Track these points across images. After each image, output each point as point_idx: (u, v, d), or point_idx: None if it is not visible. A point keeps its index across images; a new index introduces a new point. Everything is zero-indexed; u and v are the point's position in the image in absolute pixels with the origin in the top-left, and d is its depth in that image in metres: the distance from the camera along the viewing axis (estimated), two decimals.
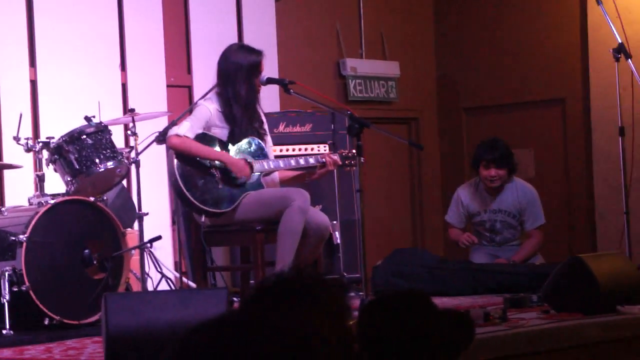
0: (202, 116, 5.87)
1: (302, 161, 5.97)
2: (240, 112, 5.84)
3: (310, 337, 1.63)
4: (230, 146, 5.89)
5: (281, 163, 5.97)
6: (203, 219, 5.89)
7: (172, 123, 6.02)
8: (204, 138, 5.84)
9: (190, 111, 6.21)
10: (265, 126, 6.07)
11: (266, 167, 5.91)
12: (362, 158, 5.43)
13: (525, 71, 9.22)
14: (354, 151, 5.77)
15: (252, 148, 5.92)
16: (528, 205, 7.08)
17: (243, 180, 5.83)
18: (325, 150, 7.31)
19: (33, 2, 7.07)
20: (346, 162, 5.98)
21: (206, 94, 6.05)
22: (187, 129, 5.79)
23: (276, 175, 6.03)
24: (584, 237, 8.86)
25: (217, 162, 5.82)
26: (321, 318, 1.81)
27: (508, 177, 7.09)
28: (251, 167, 5.88)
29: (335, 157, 5.98)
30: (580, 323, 4.94)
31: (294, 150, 7.31)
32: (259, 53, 5.92)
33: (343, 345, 1.84)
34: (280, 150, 7.18)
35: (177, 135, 5.77)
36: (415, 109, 9.52)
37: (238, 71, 5.83)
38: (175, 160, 5.77)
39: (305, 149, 7.35)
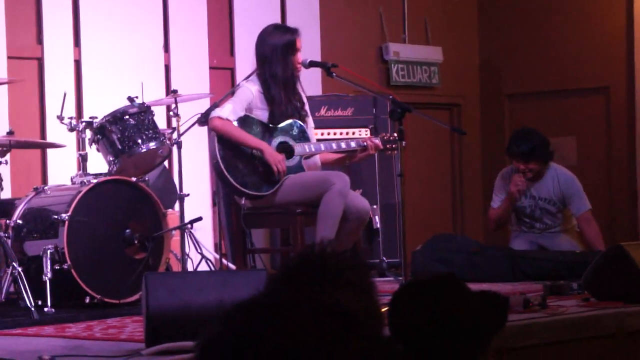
0: (244, 98, 5.87)
1: (343, 144, 5.97)
2: (278, 92, 5.84)
3: (340, 313, 1.63)
4: (271, 128, 5.89)
5: (322, 146, 5.96)
6: (243, 201, 5.91)
7: (215, 105, 6.04)
8: (246, 121, 5.84)
9: (233, 93, 6.22)
10: (307, 107, 6.07)
11: (307, 150, 5.91)
12: (403, 142, 5.41)
13: (570, 58, 9.16)
14: (395, 135, 5.75)
15: (294, 131, 5.92)
16: (570, 193, 7.03)
17: (277, 178, 5.80)
18: (366, 135, 7.30)
19: None
20: (387, 145, 5.96)
21: (248, 76, 6.06)
22: (229, 111, 5.80)
23: (318, 159, 6.02)
24: (626, 225, 8.80)
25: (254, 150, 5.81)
26: (347, 294, 1.81)
27: (542, 167, 7.03)
28: (292, 152, 5.88)
29: (377, 140, 5.97)
30: (620, 312, 4.91)
31: (335, 134, 7.31)
32: (293, 31, 5.92)
33: (373, 319, 1.84)
34: (322, 134, 7.18)
35: (220, 118, 5.78)
36: (457, 94, 9.48)
37: (274, 51, 5.84)
38: (217, 142, 5.79)
39: (347, 133, 7.34)
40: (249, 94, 5.88)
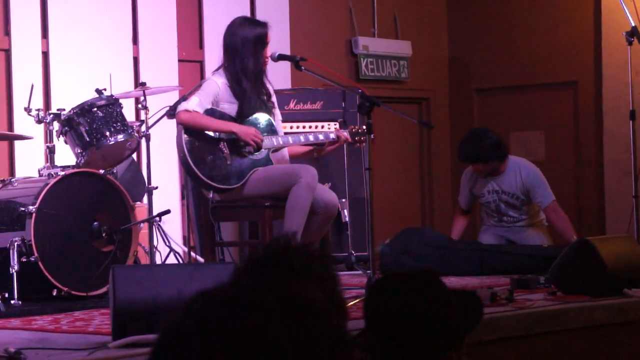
0: (210, 91, 5.86)
1: (311, 137, 5.97)
2: (249, 86, 5.83)
3: (303, 305, 1.64)
4: (238, 121, 5.88)
5: (290, 139, 5.96)
6: (211, 194, 5.90)
7: (183, 98, 6.02)
8: (213, 114, 5.83)
9: (200, 86, 6.20)
10: (274, 99, 6.06)
11: (275, 143, 5.90)
12: (371, 135, 5.42)
13: (538, 53, 9.19)
14: (364, 127, 5.76)
15: (261, 124, 5.92)
16: (533, 186, 7.06)
17: (253, 151, 5.80)
18: (336, 128, 7.30)
19: None
20: (356, 138, 5.98)
21: (217, 69, 6.04)
22: (196, 104, 5.79)
23: (286, 152, 6.02)
24: (593, 220, 8.85)
25: (225, 134, 5.80)
26: (312, 287, 1.82)
27: (496, 165, 7.06)
28: (259, 146, 5.87)
29: (345, 133, 5.98)
30: (587, 305, 4.95)
31: (304, 127, 7.31)
32: (264, 25, 5.92)
33: (337, 312, 1.85)
34: (291, 128, 7.18)
35: (187, 111, 5.76)
36: (426, 88, 9.50)
37: (244, 44, 5.82)
38: (184, 136, 5.77)
39: (316, 127, 7.34)
40: (215, 87, 5.87)
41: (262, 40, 5.85)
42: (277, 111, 6.06)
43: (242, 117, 5.87)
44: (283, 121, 6.24)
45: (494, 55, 9.41)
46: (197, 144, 5.78)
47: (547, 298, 5.16)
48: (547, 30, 9.15)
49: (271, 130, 5.93)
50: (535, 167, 7.18)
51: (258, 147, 5.82)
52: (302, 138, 5.97)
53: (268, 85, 6.02)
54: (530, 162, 7.25)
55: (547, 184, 7.10)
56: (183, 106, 5.79)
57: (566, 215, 7.08)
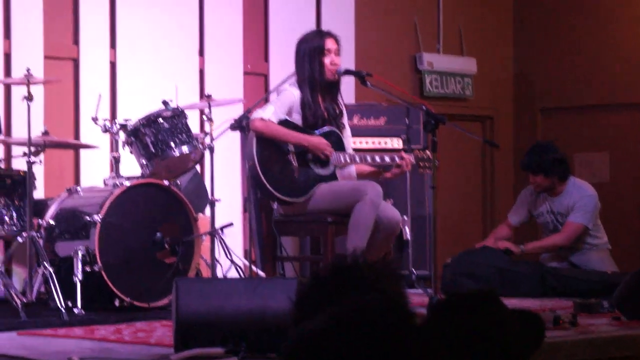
0: (286, 101, 5.86)
1: (377, 158, 5.94)
2: (308, 94, 5.83)
3: (376, 322, 1.64)
4: (309, 133, 5.87)
5: (357, 158, 5.94)
6: (276, 205, 5.90)
7: (248, 111, 6.03)
8: (285, 124, 5.83)
9: (266, 100, 6.21)
10: (345, 119, 6.06)
11: (342, 160, 5.89)
12: (436, 160, 5.39)
13: (604, 73, 9.10)
14: (428, 153, 5.71)
15: (331, 139, 5.91)
16: (577, 205, 6.96)
17: (325, 160, 5.79)
18: (398, 144, 7.28)
19: None
20: (420, 164, 5.89)
21: (283, 81, 6.05)
22: (271, 112, 5.79)
23: (353, 170, 5.99)
24: None
25: (294, 147, 5.78)
26: (383, 304, 1.81)
27: (554, 182, 6.97)
28: (327, 160, 5.86)
29: (411, 157, 5.91)
30: None
31: (367, 143, 7.29)
32: (323, 34, 5.95)
33: (408, 327, 1.84)
34: (354, 143, 7.16)
35: (262, 119, 5.76)
36: (490, 107, 9.44)
37: (305, 54, 5.86)
38: (255, 144, 5.76)
39: (379, 143, 7.32)
40: (291, 97, 5.87)
41: (319, 49, 5.86)
42: (347, 130, 6.05)
43: (308, 126, 5.86)
44: None
45: (559, 74, 9.34)
46: (266, 153, 5.78)
47: (611, 323, 5.09)
48: (614, 51, 9.06)
49: (339, 146, 5.91)
50: (592, 191, 7.03)
51: (327, 159, 5.81)
52: (368, 158, 5.95)
53: (341, 103, 6.02)
54: (590, 186, 7.10)
55: (593, 211, 6.94)
56: (258, 114, 5.78)
57: (561, 241, 6.93)
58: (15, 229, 5.56)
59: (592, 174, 8.65)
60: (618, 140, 9.08)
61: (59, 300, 5.19)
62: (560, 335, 4.63)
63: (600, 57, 9.13)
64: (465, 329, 2.61)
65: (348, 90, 7.78)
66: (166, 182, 5.80)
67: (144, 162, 5.87)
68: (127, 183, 5.68)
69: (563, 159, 7.04)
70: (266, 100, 6.52)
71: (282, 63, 7.50)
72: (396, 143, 7.32)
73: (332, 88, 5.93)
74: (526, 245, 6.96)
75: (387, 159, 5.93)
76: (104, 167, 6.57)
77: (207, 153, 6.11)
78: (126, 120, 5.96)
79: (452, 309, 2.70)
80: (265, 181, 5.73)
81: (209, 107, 6.16)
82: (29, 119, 5.47)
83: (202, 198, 6.52)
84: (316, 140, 5.81)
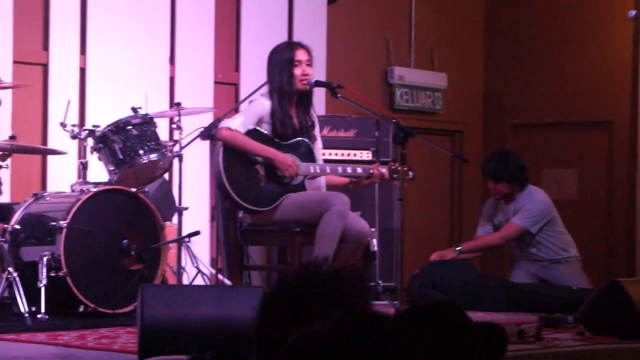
0: (256, 112, 5.87)
1: (349, 169, 5.95)
2: (277, 104, 5.84)
3: (339, 329, 1.65)
4: (278, 143, 5.87)
5: (328, 168, 5.94)
6: (241, 214, 5.90)
7: (217, 119, 6.03)
8: (253, 134, 5.83)
9: (236, 109, 6.20)
10: (317, 130, 6.06)
11: (312, 170, 5.89)
12: (410, 173, 5.40)
13: (574, 91, 9.16)
14: (405, 168, 5.70)
15: (301, 149, 5.91)
16: (524, 206, 6.98)
17: (288, 180, 5.81)
18: (368, 157, 7.29)
19: None
20: (394, 176, 5.88)
21: (254, 92, 6.05)
22: (239, 123, 5.79)
23: (323, 181, 6.00)
24: (623, 261, 8.78)
25: (261, 158, 5.79)
26: (348, 306, 1.81)
27: (513, 189, 7.00)
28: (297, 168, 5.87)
29: (384, 170, 5.92)
30: (616, 347, 4.89)
31: (337, 155, 7.30)
32: (293, 45, 5.97)
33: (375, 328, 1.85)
34: (324, 154, 7.17)
35: (229, 129, 5.76)
36: (460, 121, 9.48)
37: (275, 65, 5.86)
38: (222, 153, 5.77)
39: (349, 155, 7.33)
40: (261, 107, 5.88)
41: (290, 60, 5.87)
42: (318, 142, 6.05)
43: (277, 137, 5.85)
44: None
45: (529, 90, 9.39)
46: (233, 161, 5.78)
47: (575, 338, 5.10)
48: (584, 68, 9.12)
49: (310, 156, 5.91)
50: (543, 197, 7.03)
51: (291, 179, 5.81)
52: (339, 169, 5.95)
53: (313, 114, 6.03)
54: (543, 194, 7.09)
55: (538, 216, 6.94)
56: (226, 123, 5.79)
57: (499, 239, 6.98)
58: None
59: (560, 190, 8.70)
60: (586, 157, 9.13)
61: (22, 305, 5.15)
62: (524, 349, 4.64)
63: (570, 74, 9.19)
64: (427, 340, 2.61)
65: (319, 102, 7.78)
66: (133, 189, 5.77)
67: (112, 169, 5.84)
68: (95, 189, 5.66)
69: (525, 166, 7.09)
70: (236, 110, 6.52)
71: (253, 73, 7.50)
72: (365, 155, 7.33)
73: (304, 99, 5.94)
74: (463, 245, 7.02)
75: (358, 170, 5.94)
76: (71, 173, 6.54)
77: (175, 161, 6.09)
78: (95, 127, 5.94)
79: (414, 319, 2.70)
80: (231, 190, 5.73)
81: (179, 115, 6.15)
82: None
83: (170, 206, 6.50)
84: (282, 157, 5.80)
